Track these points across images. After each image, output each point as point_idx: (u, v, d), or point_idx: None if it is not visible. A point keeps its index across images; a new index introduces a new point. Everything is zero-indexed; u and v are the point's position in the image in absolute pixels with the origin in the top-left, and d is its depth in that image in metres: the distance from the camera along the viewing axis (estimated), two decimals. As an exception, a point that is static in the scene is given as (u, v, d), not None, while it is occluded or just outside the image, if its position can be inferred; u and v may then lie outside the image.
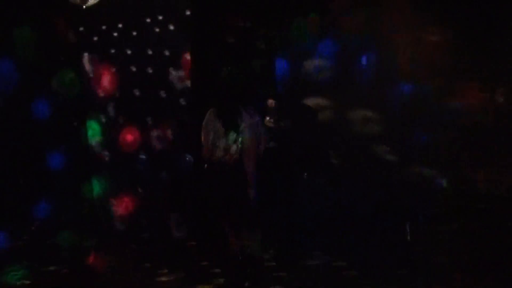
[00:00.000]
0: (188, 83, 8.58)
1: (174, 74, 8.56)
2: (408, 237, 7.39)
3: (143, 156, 8.35)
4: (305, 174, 8.85)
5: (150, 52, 8.66)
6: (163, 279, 6.89)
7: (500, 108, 10.01)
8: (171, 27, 8.57)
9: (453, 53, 9.76)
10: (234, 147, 5.56)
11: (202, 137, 5.69)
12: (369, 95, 9.74)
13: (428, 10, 9.63)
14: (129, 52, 8.72)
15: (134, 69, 8.66)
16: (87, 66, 8.59)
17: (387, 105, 9.85)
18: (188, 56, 8.53)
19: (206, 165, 5.73)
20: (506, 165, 8.48)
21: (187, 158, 8.29)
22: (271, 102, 8.76)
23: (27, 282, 6.59)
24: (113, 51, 8.69)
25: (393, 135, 9.96)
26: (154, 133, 8.57)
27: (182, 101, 8.52)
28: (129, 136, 8.65)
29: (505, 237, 7.43)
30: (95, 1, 8.24)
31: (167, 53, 8.61)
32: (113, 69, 8.68)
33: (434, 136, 10.00)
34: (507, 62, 9.82)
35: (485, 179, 8.31)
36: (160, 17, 8.59)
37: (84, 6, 8.41)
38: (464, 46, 9.83)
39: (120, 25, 8.70)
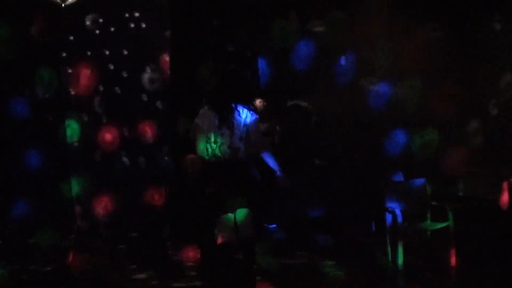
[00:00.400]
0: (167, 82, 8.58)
1: (153, 73, 8.53)
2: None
3: (123, 156, 8.26)
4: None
5: (128, 52, 8.60)
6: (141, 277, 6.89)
7: (482, 109, 10.13)
8: (150, 25, 8.54)
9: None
10: (240, 144, 5.80)
11: (198, 135, 5.87)
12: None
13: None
14: (107, 51, 8.64)
15: (112, 67, 8.59)
16: None
17: (365, 105, 9.95)
18: (167, 56, 8.53)
19: (208, 163, 5.86)
20: (487, 165, 8.54)
21: (166, 158, 8.25)
22: (259, 101, 8.77)
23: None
24: (91, 49, 8.59)
25: (372, 136, 10.05)
26: (134, 132, 8.56)
27: (159, 104, 8.50)
28: (108, 135, 8.60)
29: (485, 237, 7.48)
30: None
31: (145, 52, 8.56)
32: (92, 68, 8.59)
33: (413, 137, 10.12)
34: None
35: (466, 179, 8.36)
36: (139, 15, 8.56)
37: (63, 5, 8.36)
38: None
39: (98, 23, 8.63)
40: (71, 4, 8.45)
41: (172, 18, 8.54)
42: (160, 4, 8.54)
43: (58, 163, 8.65)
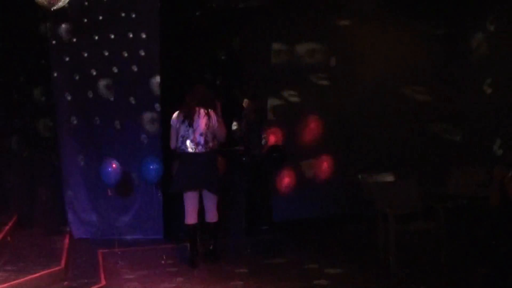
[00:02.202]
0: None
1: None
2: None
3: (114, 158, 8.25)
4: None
5: (122, 55, 8.60)
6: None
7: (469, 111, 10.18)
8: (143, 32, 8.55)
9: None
10: (200, 139, 7.32)
11: (172, 132, 7.45)
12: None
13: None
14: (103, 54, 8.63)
15: (105, 74, 8.58)
16: None
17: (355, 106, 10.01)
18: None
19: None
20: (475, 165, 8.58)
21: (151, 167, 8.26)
22: (246, 102, 8.80)
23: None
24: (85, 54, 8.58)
25: (364, 136, 10.09)
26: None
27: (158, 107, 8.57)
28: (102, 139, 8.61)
29: (474, 236, 7.50)
30: (64, 4, 8.12)
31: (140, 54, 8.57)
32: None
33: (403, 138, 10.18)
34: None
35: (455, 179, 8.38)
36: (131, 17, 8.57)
37: (52, 9, 8.32)
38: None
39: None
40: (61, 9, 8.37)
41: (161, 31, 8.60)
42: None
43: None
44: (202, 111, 7.43)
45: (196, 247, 7.57)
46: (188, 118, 7.38)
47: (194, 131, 7.35)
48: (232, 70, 9.57)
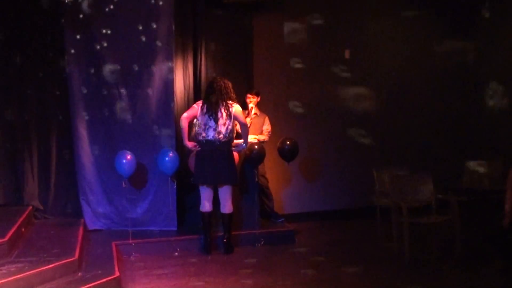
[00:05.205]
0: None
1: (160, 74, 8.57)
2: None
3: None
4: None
5: (136, 48, 8.58)
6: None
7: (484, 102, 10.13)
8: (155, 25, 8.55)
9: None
10: (222, 129, 7.64)
11: (189, 113, 7.78)
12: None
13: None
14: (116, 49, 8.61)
15: (119, 67, 8.58)
16: None
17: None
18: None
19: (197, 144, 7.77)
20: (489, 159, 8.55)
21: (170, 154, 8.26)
22: (248, 96, 8.81)
23: None
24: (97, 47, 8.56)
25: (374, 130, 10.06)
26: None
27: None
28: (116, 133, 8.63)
29: (488, 229, 7.48)
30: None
31: (154, 47, 8.56)
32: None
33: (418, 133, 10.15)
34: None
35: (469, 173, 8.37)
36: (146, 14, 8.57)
37: (66, 1, 8.35)
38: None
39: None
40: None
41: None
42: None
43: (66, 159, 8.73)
44: (224, 104, 7.69)
45: (210, 234, 7.87)
46: (211, 111, 7.67)
47: (216, 123, 7.64)
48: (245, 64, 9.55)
